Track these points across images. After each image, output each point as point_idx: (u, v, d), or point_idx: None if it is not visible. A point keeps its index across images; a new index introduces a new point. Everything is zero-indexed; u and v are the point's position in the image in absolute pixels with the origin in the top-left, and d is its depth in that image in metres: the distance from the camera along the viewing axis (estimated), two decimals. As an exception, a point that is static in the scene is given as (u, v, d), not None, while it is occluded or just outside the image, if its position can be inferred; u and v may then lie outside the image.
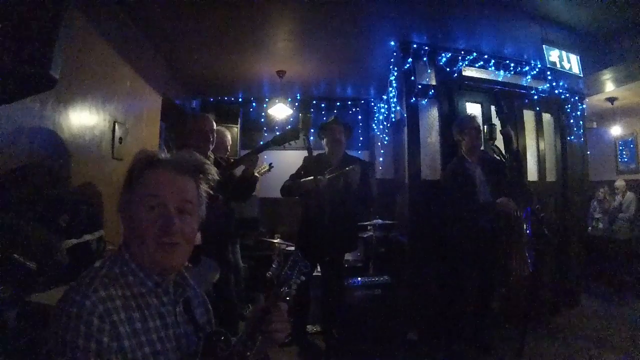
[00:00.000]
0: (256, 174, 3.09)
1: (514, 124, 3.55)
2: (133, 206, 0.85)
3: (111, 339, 0.72)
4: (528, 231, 2.54)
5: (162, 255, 0.83)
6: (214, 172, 0.94)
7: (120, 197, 0.90)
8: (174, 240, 0.84)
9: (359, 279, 3.23)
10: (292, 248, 3.50)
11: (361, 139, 5.19)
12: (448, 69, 3.37)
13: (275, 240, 3.87)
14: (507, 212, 2.62)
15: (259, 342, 0.86)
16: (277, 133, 2.54)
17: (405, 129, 3.41)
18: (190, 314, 0.91)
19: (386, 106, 4.20)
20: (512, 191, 2.64)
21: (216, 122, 2.62)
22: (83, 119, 2.30)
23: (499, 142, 3.14)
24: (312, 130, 3.54)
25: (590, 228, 5.30)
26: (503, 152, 3.15)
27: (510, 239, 2.63)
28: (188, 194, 0.88)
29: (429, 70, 3.40)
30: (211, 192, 0.95)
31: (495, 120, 3.18)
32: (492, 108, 3.05)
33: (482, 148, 2.98)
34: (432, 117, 3.37)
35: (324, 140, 3.01)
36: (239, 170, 2.57)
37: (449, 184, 2.86)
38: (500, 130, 2.85)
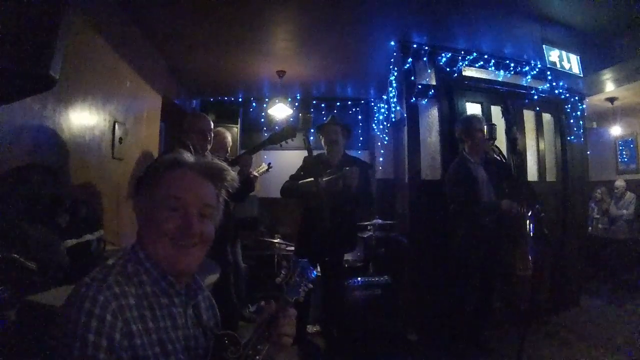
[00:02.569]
0: (255, 173, 3.08)
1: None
2: (153, 206, 0.84)
3: (123, 336, 0.72)
4: (531, 232, 2.54)
5: (179, 257, 0.83)
6: (234, 180, 0.95)
7: (137, 196, 0.89)
8: (193, 242, 0.84)
9: (359, 279, 3.23)
10: (292, 248, 3.50)
11: (361, 139, 5.19)
12: (448, 69, 3.37)
13: (275, 240, 3.88)
14: (511, 213, 2.62)
15: (268, 346, 0.86)
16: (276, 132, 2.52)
17: (405, 129, 3.41)
18: (199, 317, 0.92)
19: (386, 106, 4.21)
20: (517, 192, 2.64)
21: (216, 122, 2.61)
22: (83, 119, 2.30)
23: (499, 142, 3.14)
24: (312, 130, 3.53)
25: (590, 228, 5.30)
26: (504, 152, 3.15)
27: (514, 239, 2.63)
28: (209, 198, 0.89)
29: (429, 70, 3.40)
30: (227, 199, 0.96)
31: (496, 121, 3.18)
32: (496, 109, 3.04)
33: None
34: (432, 117, 3.37)
35: (322, 140, 3.01)
36: (235, 170, 2.56)
37: (452, 183, 2.85)
38: (506, 132, 2.84)
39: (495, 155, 3.05)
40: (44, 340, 1.13)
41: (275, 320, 0.87)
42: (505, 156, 3.12)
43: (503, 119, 2.85)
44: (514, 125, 2.80)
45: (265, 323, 0.88)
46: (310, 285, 0.96)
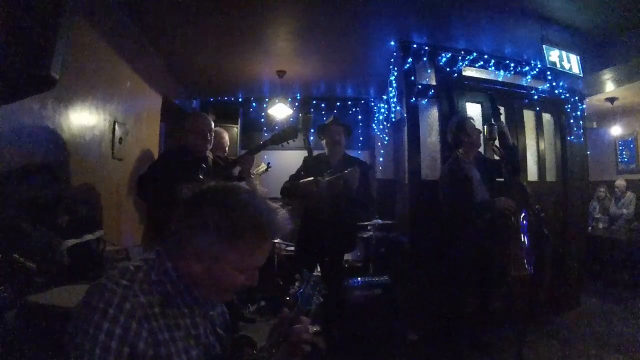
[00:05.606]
0: (253, 173, 3.08)
1: (513, 124, 3.56)
2: (228, 262, 0.82)
3: (147, 346, 0.71)
4: (525, 233, 2.53)
5: (227, 298, 0.91)
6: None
7: (210, 236, 0.80)
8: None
9: (359, 279, 3.23)
10: (292, 248, 3.50)
11: (361, 139, 5.18)
12: (448, 69, 3.37)
13: (275, 240, 3.87)
14: (505, 211, 2.61)
15: (283, 351, 0.86)
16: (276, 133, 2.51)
17: (405, 129, 3.41)
18: (213, 324, 0.93)
19: (386, 106, 4.20)
20: (509, 190, 2.64)
21: (216, 122, 2.61)
22: (83, 119, 2.30)
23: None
24: (312, 130, 3.53)
25: (590, 228, 5.30)
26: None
27: (507, 238, 2.63)
28: None
29: (429, 70, 3.40)
30: None
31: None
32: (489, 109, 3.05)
33: (481, 148, 2.99)
34: (432, 117, 3.37)
35: (324, 141, 3.01)
36: (236, 170, 2.56)
37: (446, 184, 2.85)
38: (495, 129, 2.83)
39: (495, 156, 3.05)
40: (44, 341, 1.13)
41: (294, 327, 0.88)
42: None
43: (493, 118, 2.84)
44: (502, 122, 2.80)
45: (282, 327, 0.89)
46: (322, 299, 1.00)
